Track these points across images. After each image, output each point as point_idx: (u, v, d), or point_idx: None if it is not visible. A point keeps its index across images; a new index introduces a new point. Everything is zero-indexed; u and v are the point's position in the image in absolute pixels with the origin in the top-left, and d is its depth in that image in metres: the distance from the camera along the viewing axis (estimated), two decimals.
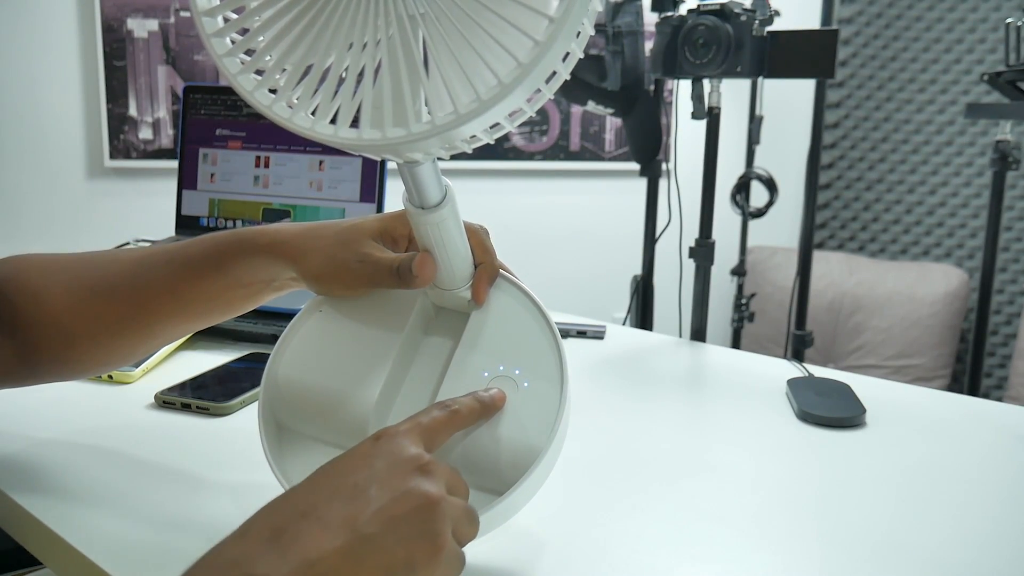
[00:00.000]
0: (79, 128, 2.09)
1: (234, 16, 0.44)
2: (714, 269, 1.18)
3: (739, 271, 2.17)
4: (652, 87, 1.46)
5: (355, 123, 0.43)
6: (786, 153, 2.47)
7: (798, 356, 2.00)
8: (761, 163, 2.14)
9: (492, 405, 0.50)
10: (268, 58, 0.44)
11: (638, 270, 1.63)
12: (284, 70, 0.43)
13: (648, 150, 1.54)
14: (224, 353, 0.93)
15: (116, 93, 2.09)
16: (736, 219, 2.18)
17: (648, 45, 1.28)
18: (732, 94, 1.64)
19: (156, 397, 0.77)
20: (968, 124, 2.70)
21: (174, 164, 1.24)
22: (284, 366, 0.55)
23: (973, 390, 1.77)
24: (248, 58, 0.44)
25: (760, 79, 1.99)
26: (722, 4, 1.08)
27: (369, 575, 0.40)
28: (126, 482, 0.62)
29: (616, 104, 1.42)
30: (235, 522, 0.53)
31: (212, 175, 1.17)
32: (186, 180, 1.18)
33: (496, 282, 0.55)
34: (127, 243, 1.27)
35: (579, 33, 0.40)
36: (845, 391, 0.85)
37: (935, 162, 2.76)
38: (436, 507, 0.42)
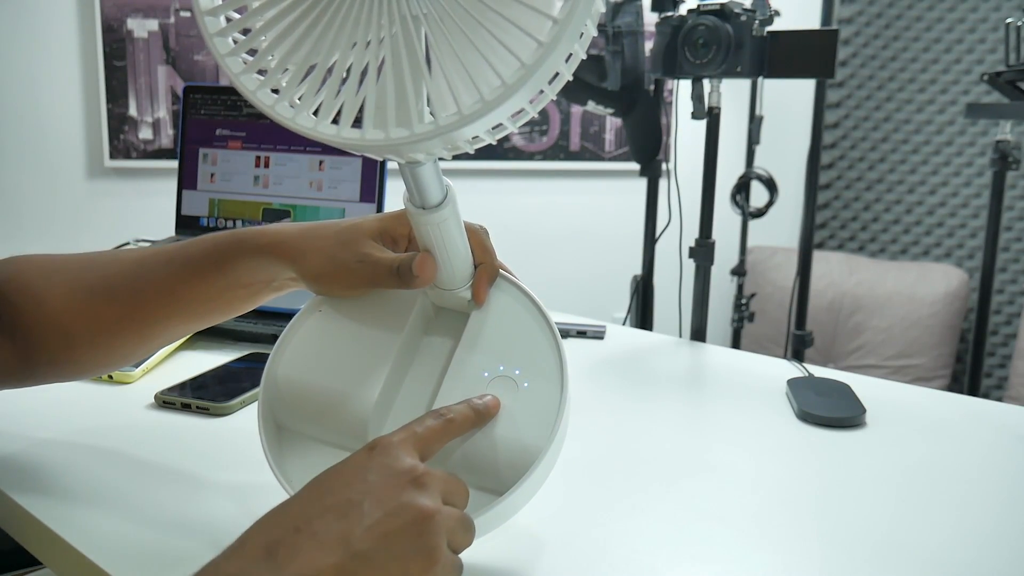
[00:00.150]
0: (79, 128, 2.09)
1: (236, 16, 0.44)
2: (714, 269, 1.18)
3: (739, 271, 2.17)
4: (652, 87, 1.46)
5: (357, 123, 0.43)
6: (786, 153, 2.47)
7: (798, 356, 2.00)
8: (761, 163, 2.14)
9: (486, 412, 0.50)
10: (271, 58, 0.43)
11: (638, 270, 1.63)
12: (287, 70, 0.43)
13: (648, 150, 1.54)
14: (224, 353, 0.93)
15: (116, 93, 2.09)
16: (736, 219, 2.18)
17: (648, 45, 1.28)
18: (732, 94, 1.64)
19: (156, 397, 0.77)
20: (968, 124, 2.70)
21: (174, 164, 1.24)
22: (284, 366, 0.55)
23: (973, 390, 1.77)
24: (251, 58, 0.44)
25: (760, 79, 1.99)
26: (722, 4, 1.08)
27: None
28: (126, 482, 0.62)
29: (616, 104, 1.42)
30: (235, 522, 0.53)
31: (212, 175, 1.17)
32: (186, 180, 1.18)
33: (496, 282, 0.55)
34: (127, 243, 1.27)
35: (582, 34, 0.39)
36: (845, 391, 0.85)
37: (935, 162, 2.76)
38: (430, 521, 0.42)
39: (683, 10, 1.14)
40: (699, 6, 1.11)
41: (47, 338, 0.59)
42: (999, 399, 2.06)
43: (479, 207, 0.97)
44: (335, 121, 0.43)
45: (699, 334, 1.17)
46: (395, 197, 0.64)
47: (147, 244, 1.23)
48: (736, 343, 2.25)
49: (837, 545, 0.56)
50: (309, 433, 0.54)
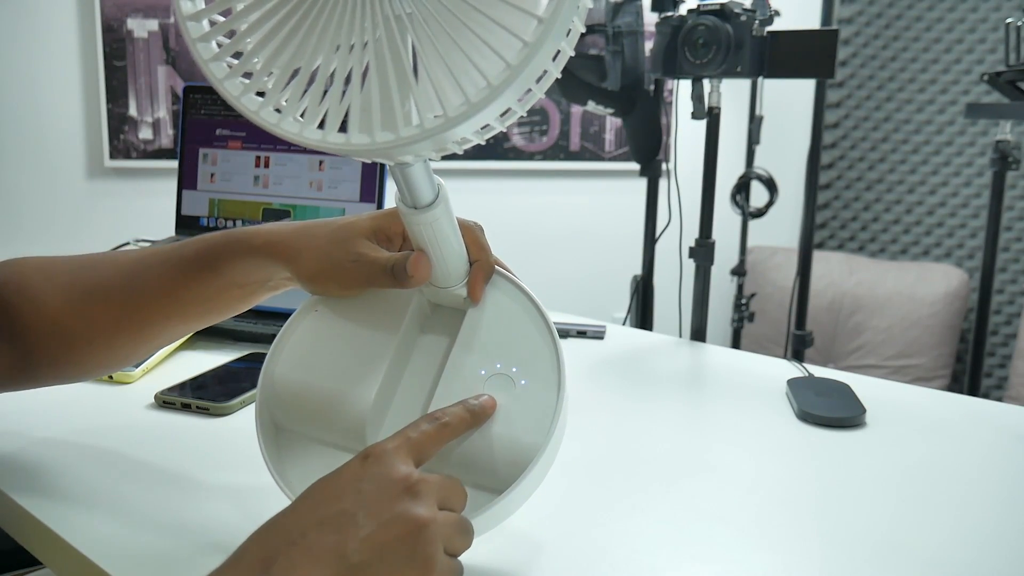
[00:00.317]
0: (79, 128, 2.09)
1: (221, 19, 0.43)
2: (714, 269, 1.18)
3: (739, 271, 2.17)
4: (652, 87, 1.46)
5: (344, 127, 0.42)
6: (786, 153, 2.47)
7: (798, 356, 2.00)
8: (761, 163, 2.14)
9: (482, 413, 0.50)
10: (256, 60, 0.43)
11: (638, 270, 1.63)
12: (271, 74, 0.43)
13: (648, 150, 1.54)
14: (224, 353, 0.93)
15: (116, 93, 2.09)
16: (736, 219, 2.18)
17: (648, 45, 1.27)
18: (732, 94, 1.64)
19: (156, 397, 0.77)
20: (968, 124, 2.70)
21: (174, 164, 1.24)
22: (281, 367, 0.54)
23: (973, 390, 1.77)
24: (236, 61, 0.43)
25: (760, 79, 1.99)
26: (722, 4, 1.08)
27: None
28: (126, 482, 0.62)
29: (616, 104, 1.42)
30: (235, 523, 0.53)
31: (212, 175, 1.17)
32: (186, 180, 1.18)
33: (492, 279, 0.54)
34: (127, 243, 1.27)
35: (569, 31, 0.39)
36: (845, 391, 0.85)
37: (935, 162, 2.76)
38: (425, 530, 0.42)
39: (683, 10, 1.14)
40: (699, 6, 1.11)
41: (46, 339, 0.59)
42: (999, 399, 2.06)
43: (479, 207, 0.97)
44: (321, 126, 0.42)
45: (699, 334, 1.17)
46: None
47: (147, 244, 1.22)
48: (736, 343, 2.25)
49: (837, 545, 0.56)
50: (307, 433, 0.54)
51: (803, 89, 2.06)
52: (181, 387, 0.80)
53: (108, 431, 0.71)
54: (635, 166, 1.59)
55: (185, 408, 0.76)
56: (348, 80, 0.42)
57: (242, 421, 0.75)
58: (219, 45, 0.44)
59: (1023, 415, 0.83)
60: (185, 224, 1.18)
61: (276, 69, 0.43)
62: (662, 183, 1.59)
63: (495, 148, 2.48)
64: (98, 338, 0.59)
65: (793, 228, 2.62)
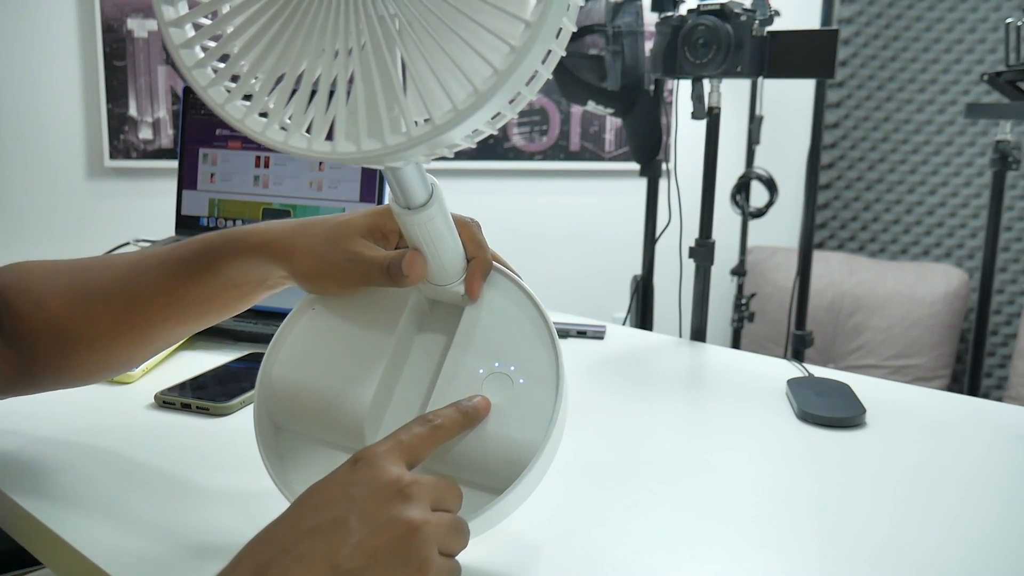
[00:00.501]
0: (79, 128, 2.09)
1: (206, 21, 0.43)
2: (714, 269, 1.18)
3: (739, 271, 2.17)
4: (652, 87, 1.46)
5: (330, 134, 0.41)
6: (786, 153, 2.47)
7: (798, 356, 2.00)
8: (761, 163, 2.14)
9: (475, 415, 0.49)
10: (240, 65, 0.42)
11: (638, 270, 1.63)
12: (256, 79, 0.42)
13: (648, 150, 1.54)
14: (224, 353, 0.93)
15: (116, 93, 2.09)
16: (736, 219, 2.18)
17: (648, 45, 1.27)
18: (732, 94, 1.64)
19: (156, 397, 0.77)
20: (968, 124, 2.70)
21: (174, 164, 1.24)
22: (279, 366, 0.54)
23: (973, 390, 1.77)
24: (221, 65, 0.42)
25: (760, 79, 1.99)
26: (722, 4, 1.08)
27: None
28: (126, 482, 0.62)
29: (616, 104, 1.42)
30: (234, 523, 0.53)
31: (212, 175, 1.17)
32: (186, 180, 1.18)
33: (490, 276, 0.54)
34: (127, 243, 1.27)
35: (560, 32, 0.38)
36: (845, 391, 0.85)
37: (935, 162, 2.76)
38: (418, 533, 0.42)
39: (683, 10, 1.14)
40: (699, 6, 1.11)
41: (47, 343, 0.59)
42: (999, 399, 2.06)
43: (479, 207, 0.97)
44: (308, 132, 0.42)
45: (699, 334, 1.17)
46: None
47: (147, 244, 1.23)
48: (736, 343, 2.25)
49: (837, 545, 0.56)
50: (306, 433, 0.53)
51: (803, 89, 2.06)
52: (181, 387, 0.80)
53: (108, 431, 0.71)
54: (635, 166, 1.59)
55: (185, 408, 0.76)
56: (333, 87, 0.41)
57: (242, 421, 0.75)
58: (203, 50, 0.43)
59: (1023, 415, 0.83)
60: (185, 224, 1.18)
61: (261, 75, 0.42)
62: (662, 183, 1.59)
63: (495, 148, 2.48)
64: (98, 340, 0.59)
65: (793, 228, 2.62)
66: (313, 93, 0.41)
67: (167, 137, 2.15)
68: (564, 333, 1.10)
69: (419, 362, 0.54)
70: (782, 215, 2.46)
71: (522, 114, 2.49)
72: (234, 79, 0.43)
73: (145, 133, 2.13)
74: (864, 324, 2.64)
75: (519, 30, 0.37)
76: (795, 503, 0.62)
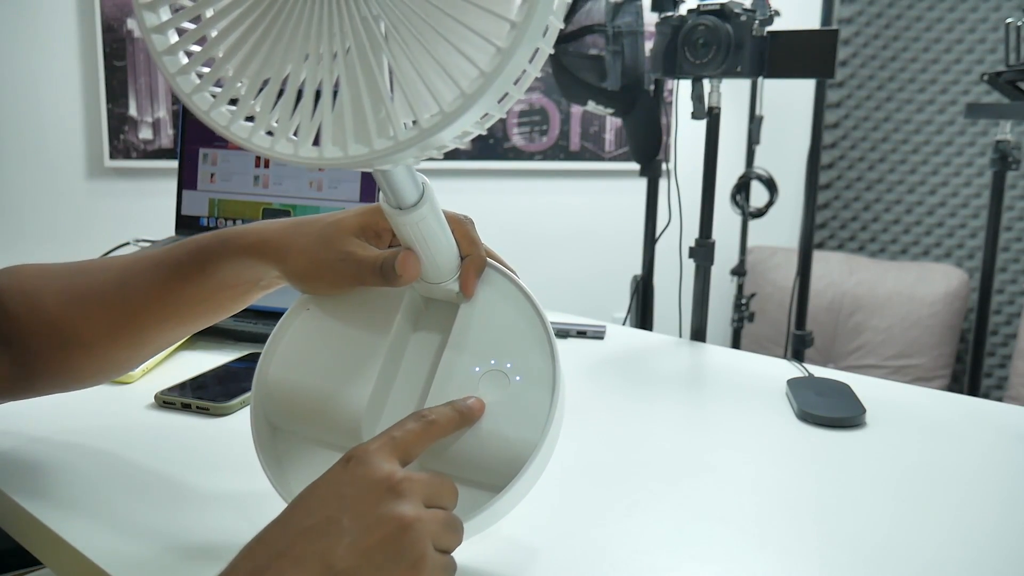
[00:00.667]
0: (79, 128, 2.09)
1: (191, 26, 0.42)
2: (714, 269, 1.18)
3: (739, 271, 2.17)
4: (652, 87, 1.46)
5: (317, 139, 0.41)
6: (786, 153, 2.47)
7: (798, 356, 2.00)
8: (761, 163, 2.14)
9: (470, 415, 0.49)
10: (224, 70, 0.41)
11: (638, 270, 1.63)
12: (240, 84, 0.41)
13: (648, 150, 1.54)
14: (224, 353, 0.93)
15: (116, 93, 2.09)
16: (736, 219, 2.18)
17: (648, 45, 1.27)
18: (732, 94, 1.64)
19: (156, 397, 0.77)
20: (968, 124, 2.70)
21: (174, 164, 1.24)
22: (274, 368, 0.54)
23: (973, 390, 1.77)
24: (206, 70, 0.42)
25: (760, 79, 1.99)
26: (722, 4, 1.08)
27: None
28: (126, 482, 0.62)
29: (616, 104, 1.42)
30: (234, 524, 0.53)
31: (212, 175, 1.17)
32: (186, 180, 1.18)
33: (485, 273, 0.54)
34: (127, 243, 1.27)
35: (547, 30, 0.38)
36: (845, 391, 0.85)
37: (935, 162, 2.76)
38: (410, 530, 0.42)
39: (683, 10, 1.14)
40: (699, 6, 1.11)
41: (43, 345, 0.58)
42: (999, 399, 2.06)
43: (479, 207, 0.97)
44: (295, 136, 0.41)
45: (699, 334, 1.17)
46: None
47: (147, 244, 1.23)
48: (736, 343, 2.25)
49: (837, 545, 0.56)
50: (304, 434, 0.53)
51: (803, 89, 2.06)
52: (181, 387, 0.80)
53: (108, 431, 0.71)
54: (635, 166, 1.59)
55: (185, 408, 0.76)
56: (319, 92, 0.40)
57: (242, 421, 0.75)
58: (188, 56, 0.42)
59: (1023, 415, 0.83)
60: (185, 224, 1.18)
61: (245, 79, 0.41)
62: (662, 183, 1.59)
63: (495, 148, 2.48)
64: (95, 342, 0.59)
65: (793, 228, 2.62)
66: (300, 97, 0.41)
67: (167, 137, 2.15)
68: (564, 333, 1.10)
69: (415, 361, 0.54)
70: (782, 215, 2.46)
71: (522, 114, 2.49)
72: (219, 84, 0.42)
73: (145, 133, 2.13)
74: (864, 324, 2.64)
75: (505, 30, 0.37)
76: (795, 503, 0.62)
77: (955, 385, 2.64)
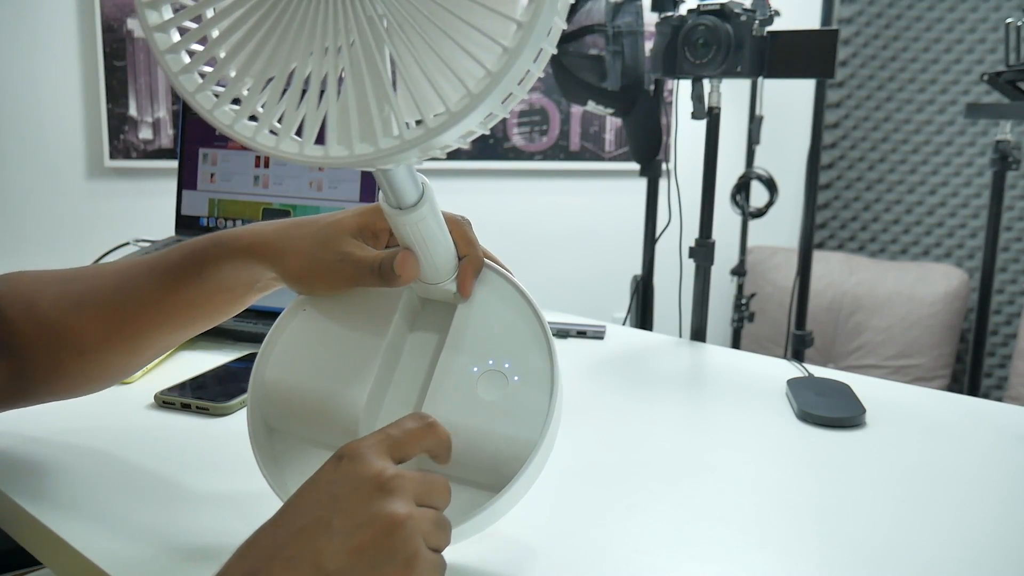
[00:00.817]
0: (79, 128, 2.09)
1: (192, 25, 0.42)
2: (714, 269, 1.18)
3: (739, 271, 2.17)
4: (652, 87, 1.46)
5: (321, 138, 0.41)
6: (786, 153, 2.47)
7: (798, 356, 2.00)
8: (761, 163, 2.14)
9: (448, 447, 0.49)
10: (227, 69, 0.41)
11: (638, 270, 1.63)
12: (244, 83, 0.41)
13: (648, 150, 1.54)
14: (224, 353, 0.93)
15: (116, 93, 2.09)
16: (736, 219, 2.18)
17: (648, 45, 1.27)
18: (732, 94, 1.64)
19: (156, 397, 0.77)
20: (968, 124, 2.70)
21: (174, 164, 1.24)
22: (271, 369, 0.54)
23: (973, 390, 1.77)
24: (209, 69, 0.42)
25: (760, 79, 1.99)
26: (722, 4, 1.08)
27: None
28: (126, 482, 0.62)
29: (616, 104, 1.42)
30: (234, 524, 0.53)
31: (212, 175, 1.17)
32: (186, 180, 1.18)
33: (482, 274, 0.54)
34: (127, 243, 1.27)
35: (550, 31, 0.38)
36: (845, 391, 0.85)
37: (935, 162, 2.76)
38: (401, 528, 0.41)
39: (683, 10, 1.14)
40: (699, 6, 1.11)
41: (39, 351, 0.58)
42: (999, 399, 2.06)
43: (479, 207, 0.97)
44: (299, 135, 0.41)
45: (699, 334, 1.17)
46: None
47: (147, 244, 1.23)
48: (736, 343, 2.25)
49: (837, 545, 0.56)
50: (301, 435, 0.53)
51: (803, 89, 2.06)
52: (181, 387, 0.80)
53: (108, 431, 0.71)
54: (635, 166, 1.59)
55: (185, 408, 0.76)
56: (323, 90, 0.40)
57: (242, 421, 0.74)
58: (190, 55, 0.42)
59: (1023, 415, 0.83)
60: (185, 224, 1.18)
61: (249, 79, 0.41)
62: (662, 183, 1.59)
63: (495, 148, 2.48)
64: (90, 348, 0.58)
65: (793, 228, 2.62)
66: (303, 97, 0.41)
67: (167, 137, 2.15)
68: (564, 333, 1.10)
69: (412, 361, 0.54)
70: (782, 215, 2.46)
71: (522, 114, 2.49)
72: (222, 84, 0.42)
73: (145, 133, 2.13)
74: (864, 324, 2.64)
75: (511, 30, 0.37)
76: (795, 503, 0.62)
77: (955, 385, 2.64)
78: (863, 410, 0.80)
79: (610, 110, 1.43)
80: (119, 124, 2.11)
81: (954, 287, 2.61)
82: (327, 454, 0.51)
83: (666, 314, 1.62)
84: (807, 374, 0.92)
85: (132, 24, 2.08)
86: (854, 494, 0.64)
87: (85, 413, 0.75)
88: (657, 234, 1.59)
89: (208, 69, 0.42)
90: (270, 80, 0.41)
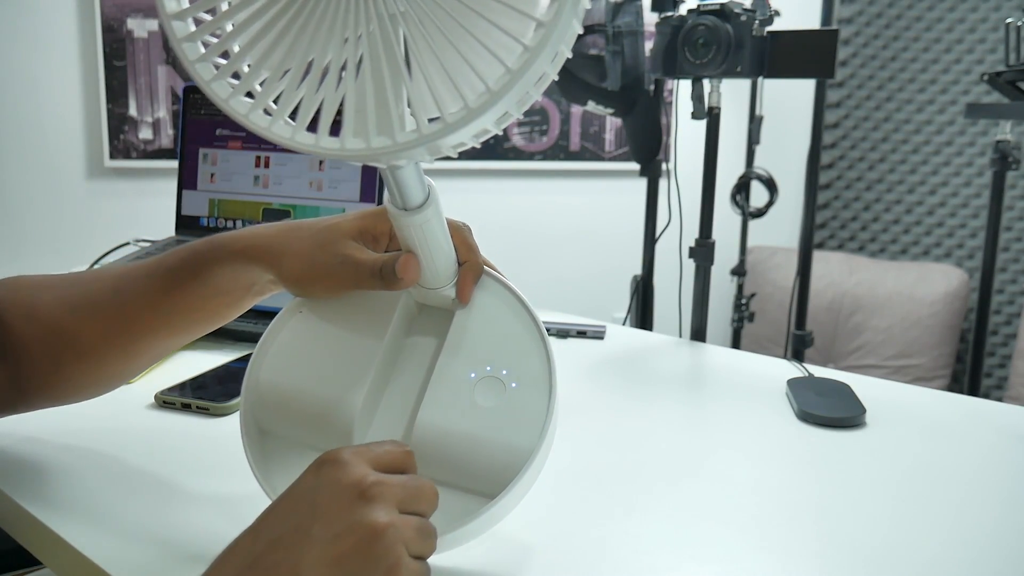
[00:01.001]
0: (79, 128, 2.09)
1: (208, 17, 0.42)
2: (714, 269, 1.17)
3: (739, 271, 2.17)
4: (652, 87, 1.46)
5: (336, 130, 0.41)
6: (786, 153, 2.47)
7: (798, 356, 2.00)
8: (761, 163, 2.14)
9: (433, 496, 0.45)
10: (244, 60, 0.42)
11: (638, 270, 1.63)
12: (260, 73, 0.42)
13: (648, 150, 1.54)
14: (224, 353, 0.93)
15: (116, 93, 2.09)
16: (736, 219, 2.18)
17: (648, 45, 1.27)
18: (732, 94, 1.64)
19: (156, 397, 0.77)
20: (968, 124, 2.70)
21: (174, 164, 1.24)
22: (266, 371, 0.53)
23: (973, 390, 1.77)
24: (224, 61, 0.42)
25: (760, 79, 1.99)
26: (722, 4, 1.08)
27: None
28: (126, 482, 0.62)
29: (616, 104, 1.42)
30: (234, 525, 0.53)
31: (212, 175, 1.17)
32: (186, 180, 1.18)
33: (481, 280, 0.54)
34: (127, 243, 1.27)
35: (568, 33, 0.38)
36: (845, 391, 0.85)
37: (935, 162, 2.76)
38: (382, 536, 0.40)
39: (683, 10, 1.14)
40: (699, 6, 1.11)
41: (37, 355, 0.58)
42: (999, 399, 2.06)
43: (479, 207, 0.97)
44: (312, 129, 0.41)
45: (699, 334, 1.16)
46: None
47: (147, 244, 1.23)
48: (736, 343, 2.25)
49: (837, 545, 0.56)
50: (295, 438, 0.53)
51: (803, 89, 2.06)
52: (181, 387, 0.80)
53: (108, 431, 0.71)
54: (635, 166, 1.59)
55: (185, 408, 0.76)
56: (340, 82, 0.40)
57: None
58: (205, 45, 0.42)
59: (1023, 415, 0.83)
60: (185, 224, 1.18)
61: (266, 71, 0.41)
62: (662, 183, 1.59)
63: (495, 148, 2.48)
64: (89, 352, 0.58)
65: (793, 228, 2.62)
66: (319, 86, 0.41)
67: (167, 137, 2.15)
68: (564, 333, 1.10)
69: (409, 366, 0.54)
70: (782, 215, 2.46)
71: (523, 114, 2.49)
72: (236, 76, 0.42)
73: (145, 133, 2.13)
74: (864, 324, 2.64)
75: (531, 30, 0.37)
76: (795, 503, 0.62)
77: (955, 385, 2.64)
78: (863, 410, 0.80)
79: (610, 110, 1.43)
80: (119, 124, 2.11)
81: (954, 287, 2.61)
82: None
83: (666, 314, 1.62)
84: (807, 374, 0.92)
85: (132, 24, 2.08)
86: (854, 494, 0.64)
87: (85, 413, 0.75)
88: (657, 234, 1.59)
89: (223, 61, 0.42)
90: (287, 72, 0.41)
